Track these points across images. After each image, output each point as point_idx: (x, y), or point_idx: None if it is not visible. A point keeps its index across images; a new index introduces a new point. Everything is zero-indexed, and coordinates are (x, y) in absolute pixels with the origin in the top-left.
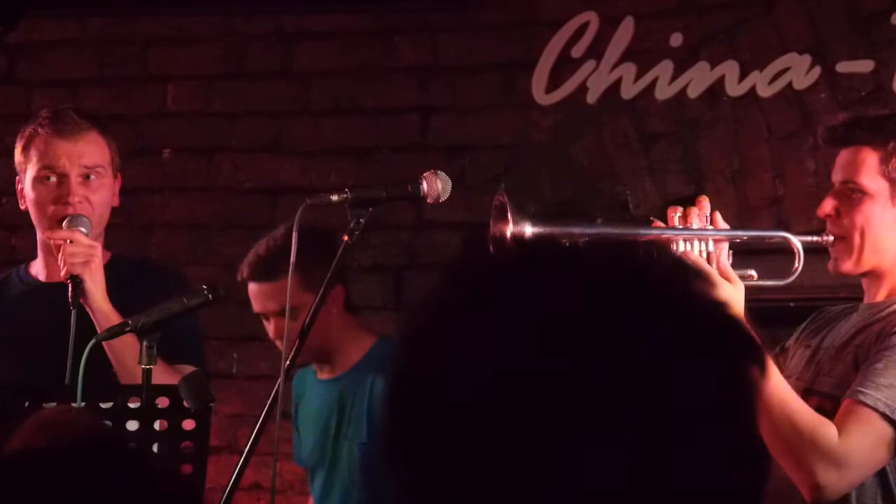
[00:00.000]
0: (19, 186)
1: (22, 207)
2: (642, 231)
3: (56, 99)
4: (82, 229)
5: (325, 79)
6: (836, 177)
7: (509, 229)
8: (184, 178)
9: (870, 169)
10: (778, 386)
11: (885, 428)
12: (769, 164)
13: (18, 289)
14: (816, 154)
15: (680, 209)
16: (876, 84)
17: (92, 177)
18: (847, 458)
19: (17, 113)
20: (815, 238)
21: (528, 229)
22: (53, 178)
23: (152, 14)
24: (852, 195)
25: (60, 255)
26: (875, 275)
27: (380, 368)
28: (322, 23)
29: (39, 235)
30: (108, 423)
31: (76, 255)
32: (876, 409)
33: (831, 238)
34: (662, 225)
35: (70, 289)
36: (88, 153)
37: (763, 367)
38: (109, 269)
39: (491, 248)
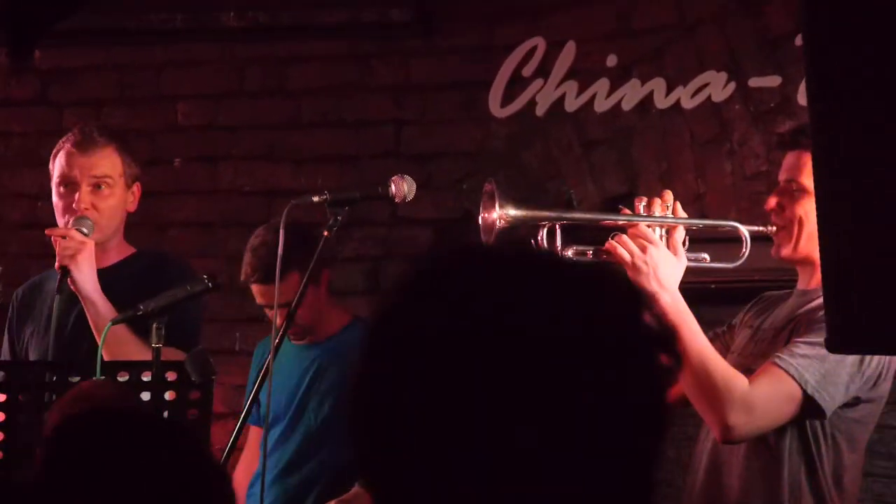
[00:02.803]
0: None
1: None
2: (612, 217)
3: (83, 117)
4: (83, 229)
5: (313, 96)
6: (782, 176)
7: (496, 212)
8: (192, 183)
9: (810, 170)
10: (700, 343)
11: (793, 387)
12: (692, 166)
13: (52, 285)
14: (732, 157)
15: (645, 199)
16: (783, 97)
17: (102, 186)
18: (753, 404)
19: (50, 129)
20: (760, 228)
21: (512, 212)
22: (68, 187)
23: (164, 43)
24: (793, 192)
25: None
26: (808, 262)
27: (353, 343)
28: (310, 49)
29: None
30: (141, 395)
31: (67, 248)
32: (787, 371)
33: (774, 228)
34: (629, 212)
35: (59, 277)
36: (99, 165)
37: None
38: (131, 261)
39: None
